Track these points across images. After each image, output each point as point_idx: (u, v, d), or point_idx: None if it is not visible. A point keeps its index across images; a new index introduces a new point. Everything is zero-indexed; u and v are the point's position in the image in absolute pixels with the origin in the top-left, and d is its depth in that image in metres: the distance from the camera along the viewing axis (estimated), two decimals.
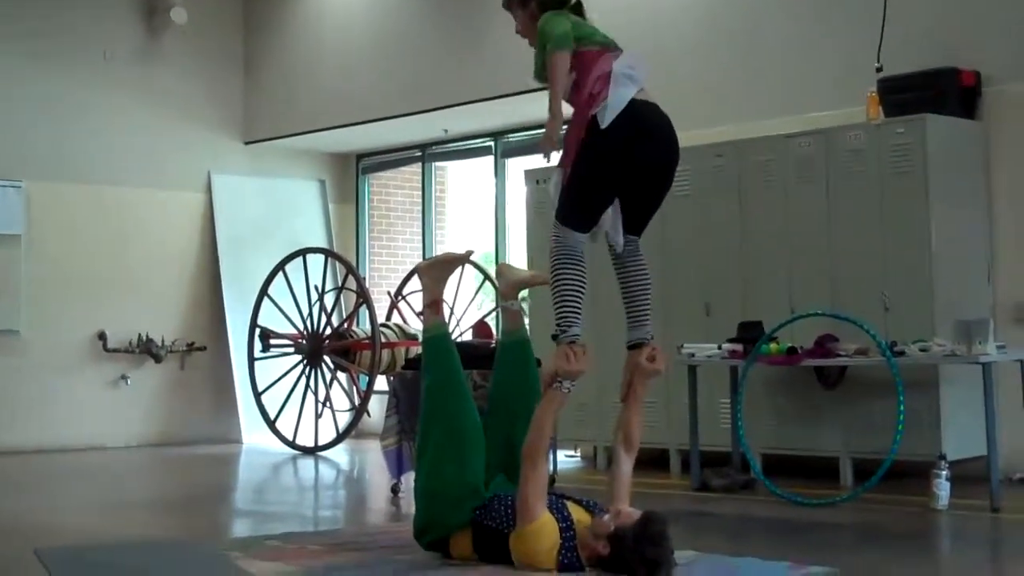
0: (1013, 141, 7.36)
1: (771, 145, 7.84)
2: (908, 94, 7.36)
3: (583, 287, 4.81)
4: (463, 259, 5.48)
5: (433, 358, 5.05)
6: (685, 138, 8.28)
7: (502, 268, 5.60)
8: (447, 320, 11.03)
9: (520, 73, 9.96)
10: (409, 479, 7.52)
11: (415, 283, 11.75)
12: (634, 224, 5.07)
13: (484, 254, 12.88)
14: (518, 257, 10.76)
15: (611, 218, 4.97)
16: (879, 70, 7.54)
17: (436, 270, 5.32)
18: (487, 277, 11.37)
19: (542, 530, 4.47)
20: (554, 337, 4.78)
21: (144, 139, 11.77)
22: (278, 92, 12.24)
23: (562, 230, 4.86)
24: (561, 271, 4.81)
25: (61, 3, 11.40)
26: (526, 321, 5.66)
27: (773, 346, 6.99)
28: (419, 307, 11.64)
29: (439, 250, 12.33)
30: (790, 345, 6.97)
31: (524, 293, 7.38)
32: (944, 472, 6.21)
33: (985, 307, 7.28)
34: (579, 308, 4.77)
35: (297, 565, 4.89)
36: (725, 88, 8.72)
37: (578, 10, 5.27)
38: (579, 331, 4.72)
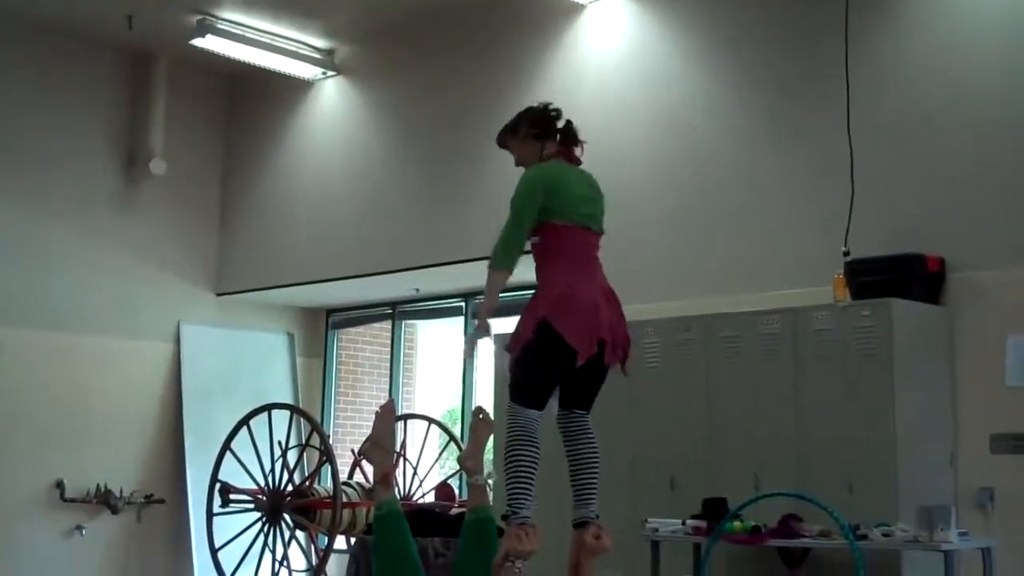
0: (976, 327, 7.45)
1: (739, 321, 7.89)
2: (874, 277, 7.46)
3: (535, 467, 4.84)
4: (391, 413, 5.44)
5: (383, 538, 5.02)
6: (653, 310, 8.48)
7: (463, 458, 5.61)
8: (407, 484, 11.01)
9: (492, 237, 10.14)
10: None
11: None
12: (582, 399, 5.12)
13: (449, 410, 12.86)
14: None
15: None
16: (846, 255, 7.66)
17: (381, 445, 5.31)
18: (452, 438, 11.33)
19: None
20: (504, 517, 4.78)
21: (115, 288, 11.77)
22: (252, 246, 12.32)
23: (517, 408, 4.90)
24: (515, 451, 4.85)
25: (39, 149, 11.47)
26: (491, 496, 5.62)
27: (737, 524, 6.95)
28: None
29: (405, 408, 12.30)
30: (754, 524, 6.93)
31: (490, 467, 7.34)
32: None
33: (948, 491, 7.29)
34: (531, 489, 4.80)
35: None
36: (694, 262, 8.83)
37: (568, 137, 5.39)
38: (529, 513, 4.72)
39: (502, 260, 5.24)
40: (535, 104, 5.64)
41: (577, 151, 5.53)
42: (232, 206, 12.63)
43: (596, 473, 5.12)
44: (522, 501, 4.78)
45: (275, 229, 12.14)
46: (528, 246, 5.34)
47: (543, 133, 5.46)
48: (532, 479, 4.85)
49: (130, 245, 11.93)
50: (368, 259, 11.15)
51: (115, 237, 11.85)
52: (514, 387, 5.00)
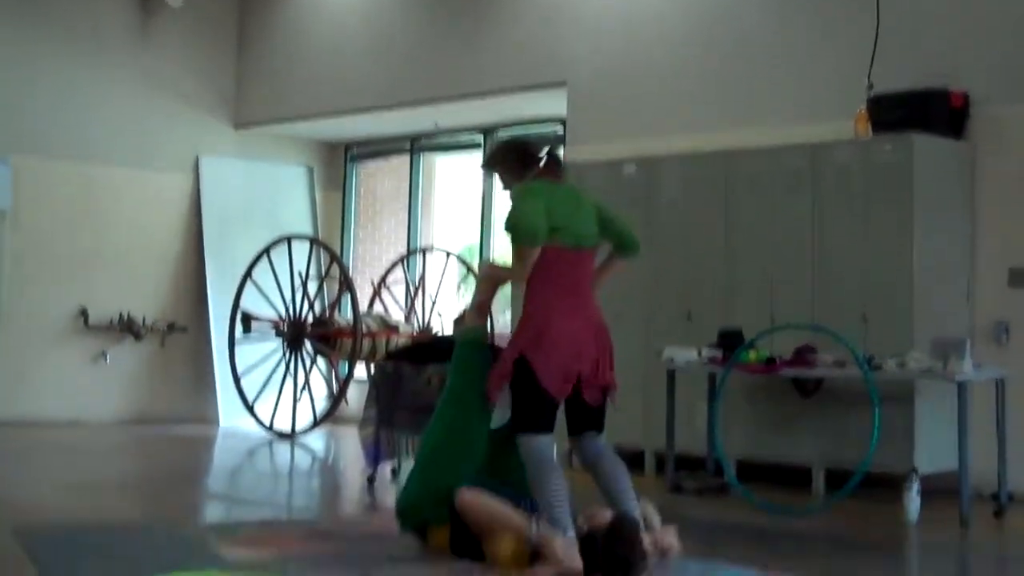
0: (998, 163, 7.44)
1: (760, 157, 7.88)
2: (897, 112, 7.41)
3: (563, 488, 4.84)
4: (520, 275, 5.38)
5: (464, 361, 5.21)
6: (674, 145, 8.46)
7: (487, 267, 5.66)
8: (426, 315, 11.15)
9: (512, 71, 10.08)
10: (384, 470, 7.62)
11: (398, 273, 11.80)
12: (590, 420, 5.10)
13: (467, 247, 12.92)
14: (502, 251, 10.81)
15: None
16: (870, 87, 7.60)
17: (496, 279, 5.38)
18: (470, 270, 11.42)
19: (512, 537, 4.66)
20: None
21: (134, 119, 11.74)
22: (270, 78, 12.24)
23: (528, 440, 4.90)
24: (542, 481, 4.85)
25: None
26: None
27: (752, 354, 7.05)
28: (401, 296, 11.72)
29: (423, 241, 12.36)
30: (769, 355, 7.03)
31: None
32: (915, 486, 6.30)
33: (964, 325, 7.36)
34: (566, 507, 4.81)
35: (273, 553, 4.94)
36: (714, 96, 8.75)
37: (552, 160, 5.32)
38: (573, 531, 4.75)
39: (527, 237, 5.02)
40: (516, 141, 5.64)
41: (560, 172, 5.45)
42: (250, 38, 12.51)
43: (630, 483, 5.10)
44: (564, 522, 4.78)
45: (293, 62, 12.04)
46: None
47: (527, 164, 5.37)
48: (566, 499, 4.85)
49: (148, 77, 11.86)
50: (387, 92, 11.09)
51: (131, 69, 11.76)
52: (516, 418, 4.99)
